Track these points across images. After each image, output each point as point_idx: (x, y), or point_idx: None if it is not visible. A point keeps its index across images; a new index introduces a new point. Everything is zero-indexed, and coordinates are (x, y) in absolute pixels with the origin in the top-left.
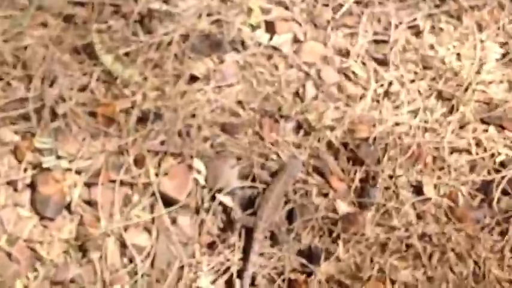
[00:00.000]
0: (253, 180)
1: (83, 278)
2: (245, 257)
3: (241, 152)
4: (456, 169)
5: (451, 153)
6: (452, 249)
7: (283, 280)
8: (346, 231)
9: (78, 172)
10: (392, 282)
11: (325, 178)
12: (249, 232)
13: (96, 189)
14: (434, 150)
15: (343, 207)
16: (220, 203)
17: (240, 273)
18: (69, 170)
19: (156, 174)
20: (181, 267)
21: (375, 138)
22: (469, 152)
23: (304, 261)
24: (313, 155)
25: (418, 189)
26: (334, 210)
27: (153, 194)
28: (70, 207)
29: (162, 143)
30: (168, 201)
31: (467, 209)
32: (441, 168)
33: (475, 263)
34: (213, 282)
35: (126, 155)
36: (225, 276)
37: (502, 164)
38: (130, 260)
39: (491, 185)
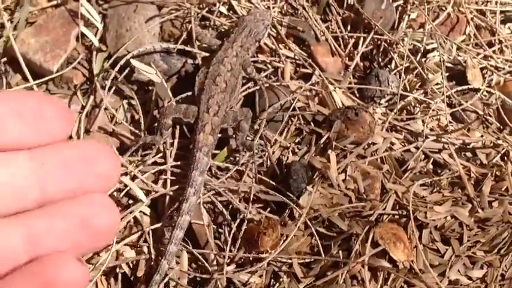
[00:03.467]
0: (186, 42)
1: None
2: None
3: None
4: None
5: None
6: None
7: (235, 217)
8: (342, 137)
9: None
10: (420, 225)
11: (306, 49)
12: (191, 134)
13: None
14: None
15: (338, 98)
16: (129, 80)
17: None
18: None
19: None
20: None
21: None
22: None
23: (270, 181)
24: (289, 11)
25: (457, 74)
26: (323, 103)
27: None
28: None
29: None
30: (32, 72)
31: None
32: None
33: None
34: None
35: None
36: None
37: None
38: None
39: None
